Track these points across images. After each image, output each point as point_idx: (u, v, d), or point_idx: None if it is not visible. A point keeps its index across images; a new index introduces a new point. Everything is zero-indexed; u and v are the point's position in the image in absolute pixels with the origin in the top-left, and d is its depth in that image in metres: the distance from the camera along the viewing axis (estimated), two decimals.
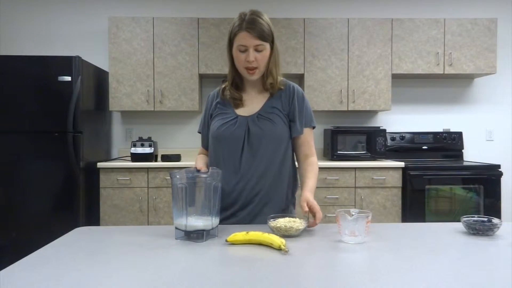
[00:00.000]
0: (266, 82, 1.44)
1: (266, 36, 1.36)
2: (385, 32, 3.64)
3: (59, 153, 3.09)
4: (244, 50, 1.36)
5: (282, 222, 1.21)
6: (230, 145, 1.42)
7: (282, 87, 1.47)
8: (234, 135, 1.42)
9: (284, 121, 1.45)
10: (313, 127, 1.53)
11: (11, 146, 3.08)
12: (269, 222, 1.22)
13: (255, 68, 1.38)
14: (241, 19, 1.35)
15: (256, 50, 1.36)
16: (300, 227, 1.20)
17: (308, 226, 1.26)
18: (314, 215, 1.28)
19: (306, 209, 1.28)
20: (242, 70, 1.41)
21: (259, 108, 1.45)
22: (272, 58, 1.41)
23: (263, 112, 1.44)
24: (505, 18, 4.00)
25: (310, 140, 1.51)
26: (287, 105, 1.46)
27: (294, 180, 1.54)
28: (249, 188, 1.42)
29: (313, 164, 1.49)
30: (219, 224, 1.22)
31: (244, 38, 1.34)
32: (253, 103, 1.46)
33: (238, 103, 1.46)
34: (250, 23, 1.33)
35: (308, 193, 1.36)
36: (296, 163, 1.55)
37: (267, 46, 1.38)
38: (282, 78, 1.49)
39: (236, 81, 1.48)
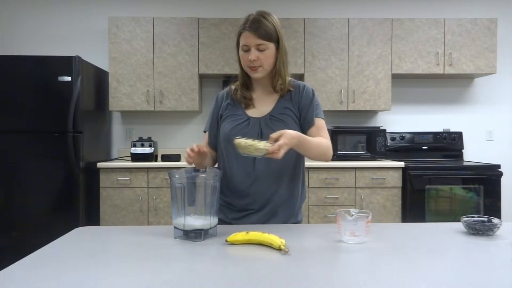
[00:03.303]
0: (276, 83, 1.43)
1: (269, 36, 1.36)
2: (385, 32, 3.64)
3: (59, 153, 3.08)
4: (247, 49, 1.37)
5: (245, 140, 1.20)
6: None
7: (292, 89, 1.46)
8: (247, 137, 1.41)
9: (296, 122, 1.43)
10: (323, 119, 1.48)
11: (11, 146, 3.08)
12: (234, 139, 1.22)
13: (258, 66, 1.39)
14: (246, 19, 1.37)
15: (258, 50, 1.36)
16: (261, 147, 1.18)
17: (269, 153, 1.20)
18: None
19: (274, 136, 1.21)
20: (246, 69, 1.42)
21: (271, 109, 1.44)
22: (279, 58, 1.41)
23: (275, 113, 1.43)
24: (505, 18, 4.00)
25: (322, 129, 1.45)
26: (297, 103, 1.45)
27: (304, 182, 1.52)
28: (264, 189, 1.41)
29: (322, 139, 1.41)
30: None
31: (246, 38, 1.36)
32: (263, 104, 1.46)
33: (249, 103, 1.46)
34: (252, 22, 1.35)
35: (292, 131, 1.25)
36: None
37: (271, 45, 1.37)
38: (290, 79, 1.48)
39: (246, 81, 1.48)
